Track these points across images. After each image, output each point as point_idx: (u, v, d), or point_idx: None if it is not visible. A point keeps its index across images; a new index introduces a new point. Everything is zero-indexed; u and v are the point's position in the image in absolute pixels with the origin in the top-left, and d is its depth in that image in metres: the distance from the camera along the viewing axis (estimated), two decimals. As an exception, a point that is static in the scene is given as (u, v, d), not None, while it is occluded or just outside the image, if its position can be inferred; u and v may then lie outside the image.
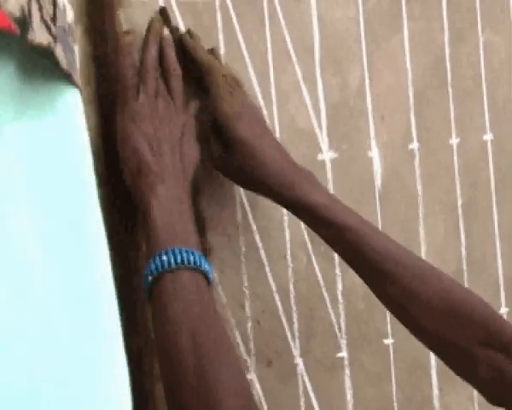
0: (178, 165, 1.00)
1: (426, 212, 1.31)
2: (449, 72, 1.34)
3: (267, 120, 1.15)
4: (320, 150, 1.21)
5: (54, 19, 0.74)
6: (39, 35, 0.72)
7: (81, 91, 0.77)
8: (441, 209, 1.34)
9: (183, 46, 1.08)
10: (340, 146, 1.23)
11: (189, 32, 1.09)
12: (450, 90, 1.34)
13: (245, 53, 1.15)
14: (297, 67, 1.19)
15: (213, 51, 1.11)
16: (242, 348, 1.15)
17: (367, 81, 1.25)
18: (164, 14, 1.07)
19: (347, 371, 1.25)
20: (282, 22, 1.17)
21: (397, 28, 1.28)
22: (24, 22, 0.70)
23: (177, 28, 1.08)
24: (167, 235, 0.95)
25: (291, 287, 1.19)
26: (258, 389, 1.16)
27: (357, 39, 1.25)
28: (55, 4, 0.74)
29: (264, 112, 1.16)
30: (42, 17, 0.73)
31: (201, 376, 0.88)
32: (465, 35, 1.35)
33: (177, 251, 0.92)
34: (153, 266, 0.93)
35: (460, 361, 1.03)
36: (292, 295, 1.19)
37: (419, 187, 1.31)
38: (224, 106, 1.05)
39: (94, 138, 1.02)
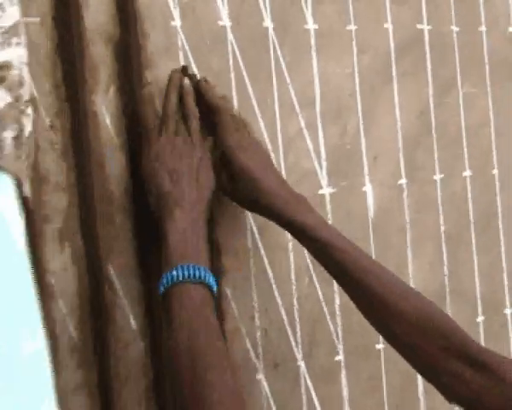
0: (195, 193, 1.02)
1: (413, 238, 1.32)
2: (433, 119, 1.35)
3: (274, 161, 1.16)
4: (320, 186, 1.23)
5: None
6: None
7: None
8: (427, 236, 1.35)
9: (198, 90, 1.09)
10: (338, 182, 1.25)
11: (204, 79, 1.11)
12: (434, 134, 1.35)
13: (255, 105, 1.17)
14: (300, 117, 1.21)
15: (224, 97, 1.12)
16: (252, 354, 1.16)
17: (362, 128, 1.27)
18: (185, 70, 1.09)
19: (344, 373, 1.26)
20: (288, 78, 1.19)
21: (388, 83, 1.30)
22: None
23: (195, 76, 1.10)
24: (179, 253, 0.97)
25: (295, 302, 1.21)
26: (265, 387, 1.17)
27: (353, 93, 1.26)
28: None
29: (272, 155, 1.18)
30: None
31: (195, 374, 0.89)
32: (447, 88, 1.36)
33: (185, 267, 0.94)
34: (164, 280, 0.95)
35: (425, 366, 1.04)
36: (295, 309, 1.20)
37: (407, 217, 1.32)
38: (229, 140, 1.07)
39: (124, 177, 1.05)
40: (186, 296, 0.94)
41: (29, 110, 0.81)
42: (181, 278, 0.94)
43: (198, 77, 1.11)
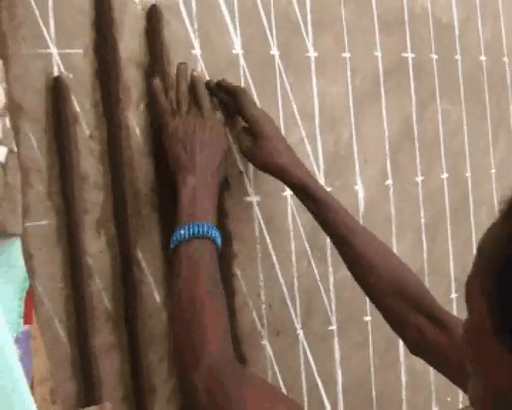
0: (204, 159, 1.01)
1: (397, 230, 1.32)
2: (415, 129, 1.34)
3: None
4: (318, 186, 1.22)
5: None
6: None
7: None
8: (409, 228, 1.34)
9: (222, 84, 1.10)
10: (333, 182, 1.24)
11: (223, 79, 1.11)
12: (416, 142, 1.34)
13: (263, 119, 1.16)
14: (301, 128, 1.21)
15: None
16: (258, 323, 1.16)
17: (354, 136, 1.26)
18: (208, 85, 1.09)
19: (336, 340, 1.26)
20: (291, 96, 1.19)
21: (376, 100, 1.29)
22: None
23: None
24: (187, 213, 0.96)
25: (295, 281, 1.21)
26: (269, 351, 1.18)
27: (346, 108, 1.26)
28: None
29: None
30: None
31: (190, 326, 0.89)
32: (427, 104, 1.35)
33: (191, 225, 0.94)
34: (174, 238, 0.95)
35: (395, 320, 1.03)
36: (295, 286, 1.20)
37: (392, 211, 1.31)
38: (255, 111, 1.08)
39: (151, 176, 1.06)
40: (190, 251, 0.93)
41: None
42: (187, 236, 0.94)
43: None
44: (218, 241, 0.96)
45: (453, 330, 0.98)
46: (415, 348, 1.03)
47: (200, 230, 0.94)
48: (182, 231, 0.94)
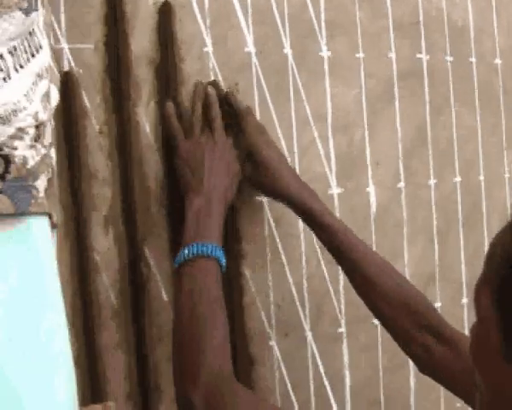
0: (214, 182, 1.00)
1: (409, 233, 1.29)
2: (429, 132, 1.31)
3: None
4: (330, 187, 1.20)
5: (3, 176, 0.70)
6: None
7: (50, 216, 0.76)
8: (420, 231, 1.31)
9: (227, 99, 1.08)
10: (345, 184, 1.22)
11: (232, 92, 1.10)
12: (429, 145, 1.31)
13: (275, 118, 1.15)
14: (314, 129, 1.19)
15: (249, 107, 1.11)
16: (266, 324, 1.15)
17: (367, 138, 1.24)
18: (215, 84, 1.07)
19: (345, 342, 1.23)
20: (304, 97, 1.17)
21: (390, 102, 1.27)
22: None
23: (222, 89, 1.09)
24: (192, 233, 0.96)
25: (304, 282, 1.19)
26: (277, 352, 1.16)
27: (359, 110, 1.24)
28: (7, 162, 0.70)
29: (289, 159, 1.15)
30: None
31: (190, 343, 0.89)
32: (441, 108, 1.33)
33: (195, 245, 0.94)
34: (178, 257, 0.95)
35: (403, 339, 1.03)
36: (304, 287, 1.18)
37: (404, 215, 1.29)
38: (256, 138, 1.06)
39: (160, 174, 1.04)
40: (193, 270, 0.94)
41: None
42: (191, 255, 0.94)
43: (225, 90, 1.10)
44: (223, 261, 0.96)
45: (461, 348, 0.97)
46: (423, 366, 1.02)
47: (205, 249, 0.94)
48: (186, 251, 0.94)
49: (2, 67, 0.70)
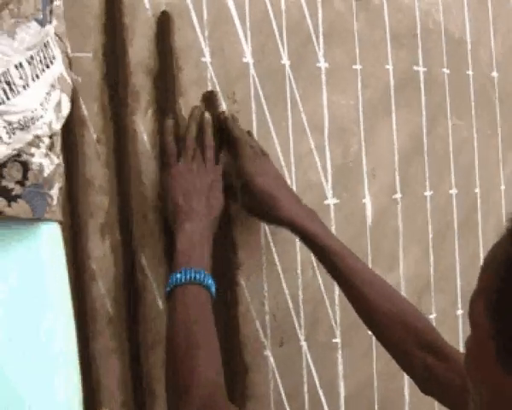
0: (203, 209, 1.01)
1: (405, 243, 1.30)
2: (425, 144, 1.32)
3: (286, 175, 1.15)
4: (326, 197, 1.21)
5: (22, 182, 0.71)
6: None
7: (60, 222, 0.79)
8: (416, 241, 1.32)
9: (225, 124, 1.08)
10: (341, 194, 1.22)
11: (231, 115, 1.10)
12: (425, 156, 1.32)
13: (272, 128, 1.15)
14: (310, 139, 1.19)
15: (249, 132, 1.11)
16: (261, 333, 1.15)
17: (363, 149, 1.24)
18: (212, 95, 1.07)
19: (340, 352, 1.23)
20: (301, 107, 1.18)
21: (386, 113, 1.27)
22: None
23: (223, 112, 1.09)
24: (184, 259, 0.96)
25: (300, 292, 1.19)
26: (272, 362, 1.16)
27: (356, 120, 1.24)
28: (26, 168, 0.72)
29: (285, 171, 1.16)
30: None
31: (184, 362, 0.89)
32: (438, 119, 1.33)
33: (187, 271, 0.94)
34: (170, 281, 0.95)
35: (403, 359, 1.02)
36: (300, 298, 1.19)
37: (400, 225, 1.29)
38: (249, 167, 1.05)
39: (157, 182, 1.04)
40: (185, 295, 0.94)
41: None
42: (183, 280, 0.94)
43: (225, 112, 1.10)
44: (213, 289, 0.97)
45: (460, 366, 0.96)
46: (424, 386, 1.02)
47: (196, 276, 0.94)
48: (178, 275, 0.94)
49: (22, 76, 0.71)
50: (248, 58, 1.12)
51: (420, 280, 1.31)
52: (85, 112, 0.99)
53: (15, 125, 0.70)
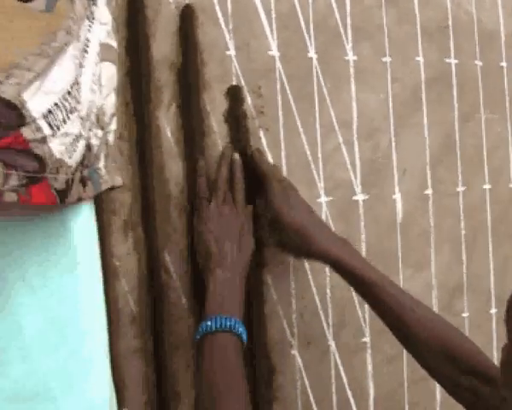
0: (235, 255, 0.99)
1: (436, 241, 1.25)
2: (457, 139, 1.27)
3: (314, 171, 1.12)
4: (355, 193, 1.17)
5: (88, 165, 0.72)
6: (74, 196, 0.71)
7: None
8: (448, 239, 1.27)
9: (252, 159, 1.06)
10: (370, 190, 1.19)
11: (257, 149, 1.07)
12: (458, 151, 1.27)
13: (299, 124, 1.12)
14: (339, 134, 1.16)
15: (275, 166, 1.09)
16: (288, 333, 1.12)
17: (393, 144, 1.20)
18: (237, 90, 1.05)
19: (369, 352, 1.20)
20: (328, 101, 1.14)
21: (417, 108, 1.23)
22: (65, 190, 0.68)
23: (250, 146, 1.07)
24: (215, 306, 0.94)
25: (328, 291, 1.16)
26: (299, 361, 1.13)
27: (386, 115, 1.20)
28: (89, 150, 0.72)
29: (313, 167, 1.12)
30: (80, 178, 0.71)
31: (214, 405, 0.86)
32: (470, 114, 1.29)
33: (218, 318, 0.91)
34: (200, 329, 0.92)
35: (449, 385, 0.99)
36: (328, 297, 1.15)
37: (431, 222, 1.25)
38: (277, 202, 1.03)
39: (180, 179, 1.02)
40: (215, 343, 0.91)
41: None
42: (213, 328, 0.91)
43: (252, 147, 1.08)
44: (244, 336, 0.94)
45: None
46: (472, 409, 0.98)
47: (228, 324, 0.92)
48: (208, 323, 0.92)
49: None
50: (274, 52, 1.09)
51: (452, 279, 1.27)
52: (108, 107, 0.96)
53: (85, 118, 0.70)
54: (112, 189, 0.81)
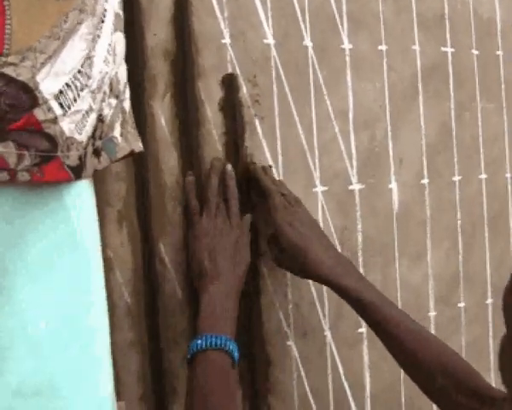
0: (229, 269, 0.97)
1: (432, 231, 1.24)
2: (454, 129, 1.26)
3: (310, 161, 1.10)
4: (351, 183, 1.15)
5: (100, 136, 0.71)
6: (89, 169, 0.71)
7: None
8: (444, 229, 1.26)
9: (255, 175, 1.04)
10: (366, 180, 1.17)
11: (262, 166, 1.06)
12: (454, 140, 1.26)
13: (295, 113, 1.10)
14: (335, 124, 1.14)
15: (277, 180, 1.07)
16: (284, 323, 1.10)
17: (389, 134, 1.19)
18: (232, 78, 1.03)
19: (365, 343, 1.18)
20: (324, 90, 1.13)
21: (414, 97, 1.22)
22: (80, 166, 0.68)
23: (254, 163, 1.06)
24: (207, 324, 0.92)
25: (324, 281, 1.13)
26: (295, 352, 1.12)
27: (382, 104, 1.18)
28: (101, 122, 0.71)
29: (309, 157, 1.11)
30: (93, 150, 0.70)
31: None
32: (467, 103, 1.27)
33: (209, 337, 0.90)
34: (191, 347, 0.91)
35: (448, 407, 0.97)
36: (324, 287, 1.13)
37: (427, 212, 1.24)
38: (278, 219, 1.00)
39: (175, 169, 1.00)
40: (207, 362, 0.90)
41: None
42: (203, 346, 0.90)
43: (252, 162, 1.06)
44: (235, 354, 0.92)
45: (506, 407, 0.91)
46: None
47: (218, 342, 0.90)
48: (199, 341, 0.90)
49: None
50: (270, 40, 1.07)
51: (449, 269, 1.26)
52: (101, 97, 0.94)
53: (96, 91, 0.70)
54: (131, 154, 0.81)
